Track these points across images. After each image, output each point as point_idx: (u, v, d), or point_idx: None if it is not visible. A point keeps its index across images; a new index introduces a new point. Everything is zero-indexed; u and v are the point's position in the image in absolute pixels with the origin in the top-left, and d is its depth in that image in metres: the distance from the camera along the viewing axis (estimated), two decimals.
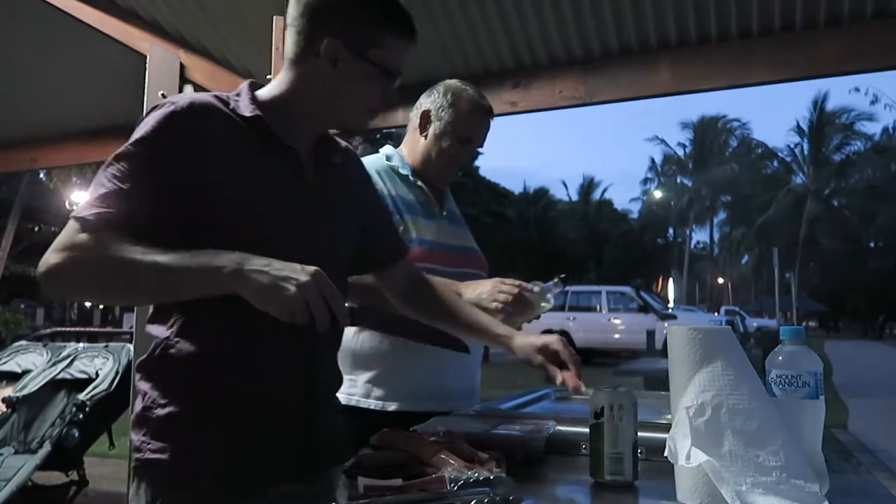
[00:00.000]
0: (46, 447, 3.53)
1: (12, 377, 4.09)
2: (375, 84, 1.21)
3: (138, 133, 1.12)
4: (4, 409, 3.78)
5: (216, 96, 1.19)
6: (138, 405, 1.18)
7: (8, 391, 3.91)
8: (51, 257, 1.06)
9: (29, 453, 3.53)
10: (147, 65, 3.14)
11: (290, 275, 1.00)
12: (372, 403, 1.67)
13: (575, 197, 48.93)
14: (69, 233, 1.06)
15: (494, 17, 2.90)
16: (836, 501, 0.86)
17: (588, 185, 48.63)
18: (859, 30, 2.66)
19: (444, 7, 2.88)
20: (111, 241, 1.04)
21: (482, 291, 1.63)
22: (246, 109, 1.18)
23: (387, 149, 1.88)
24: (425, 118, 1.81)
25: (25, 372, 4.03)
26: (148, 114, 1.15)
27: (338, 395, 1.42)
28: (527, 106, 3.16)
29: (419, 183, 1.81)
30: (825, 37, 2.70)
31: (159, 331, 1.17)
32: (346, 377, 1.66)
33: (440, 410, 1.51)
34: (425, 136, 1.81)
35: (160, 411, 1.14)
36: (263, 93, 1.24)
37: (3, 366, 4.18)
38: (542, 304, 1.67)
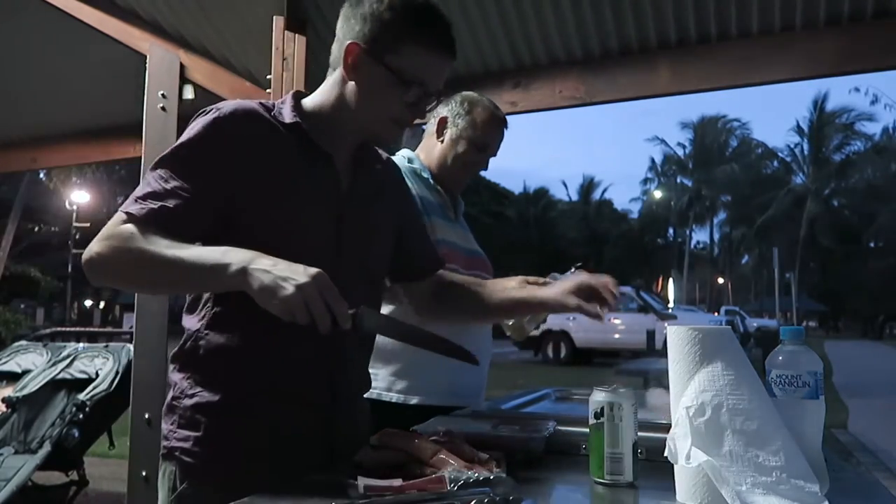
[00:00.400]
0: (46, 447, 3.53)
1: (12, 377, 4.08)
2: (393, 92, 1.21)
3: (184, 137, 1.18)
4: (4, 409, 3.78)
5: (261, 104, 1.24)
6: (168, 395, 1.23)
7: (8, 391, 3.91)
8: (94, 246, 1.12)
9: (29, 453, 3.53)
10: (147, 65, 3.14)
11: (290, 275, 1.02)
12: (394, 397, 1.72)
13: (575, 197, 48.99)
14: (113, 223, 1.13)
15: (494, 17, 2.90)
16: (836, 501, 0.86)
17: (588, 185, 48.67)
18: (859, 30, 2.65)
19: (444, 7, 2.87)
20: (146, 233, 1.10)
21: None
22: (287, 116, 1.23)
23: (406, 152, 1.94)
24: (442, 124, 1.88)
25: (25, 372, 4.03)
26: (195, 119, 1.20)
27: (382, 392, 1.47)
28: (527, 106, 3.16)
29: (437, 187, 1.88)
30: (825, 37, 2.70)
31: (191, 322, 1.22)
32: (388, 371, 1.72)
33: (458, 405, 1.58)
34: (441, 141, 1.88)
35: (187, 401, 1.20)
36: (308, 101, 1.29)
37: (3, 366, 4.18)
38: None
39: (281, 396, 1.20)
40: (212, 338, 1.19)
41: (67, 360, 3.99)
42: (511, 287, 1.50)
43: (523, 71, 3.16)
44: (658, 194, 47.47)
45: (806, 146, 43.41)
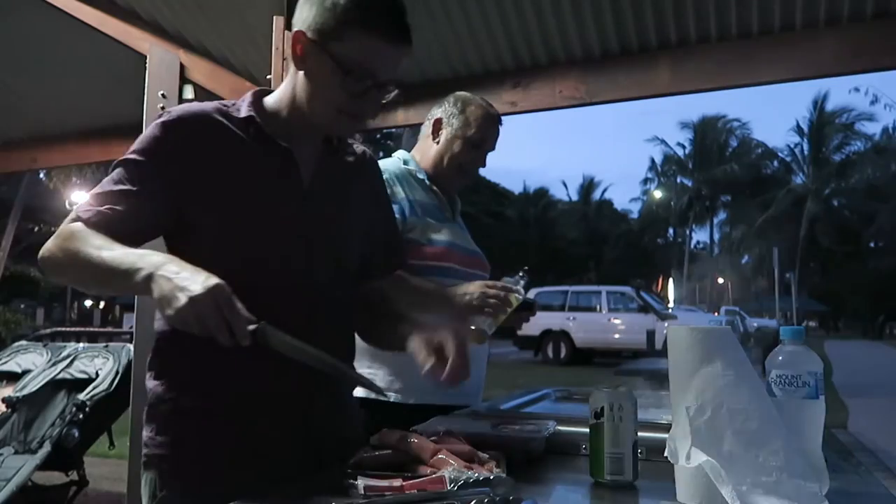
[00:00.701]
0: (46, 447, 3.53)
1: (12, 377, 4.08)
2: (335, 81, 1.15)
3: (137, 142, 1.18)
4: (4, 409, 3.78)
5: (219, 103, 1.23)
6: (147, 402, 1.21)
7: (8, 391, 3.90)
8: (47, 243, 1.13)
9: (29, 453, 3.53)
10: (147, 65, 3.14)
11: (188, 285, 0.98)
12: (392, 396, 1.71)
13: (575, 197, 48.98)
14: (64, 224, 1.13)
15: (494, 17, 2.90)
16: (836, 501, 0.86)
17: (588, 185, 48.66)
18: (859, 30, 2.65)
19: (444, 7, 2.88)
20: (89, 234, 1.09)
21: (469, 294, 1.64)
22: (242, 112, 1.21)
23: (402, 153, 1.95)
24: (437, 126, 1.90)
25: (25, 372, 4.03)
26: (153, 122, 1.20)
27: (357, 389, 1.43)
28: (527, 106, 3.16)
29: (434, 188, 1.88)
30: (825, 37, 2.70)
31: (161, 325, 1.20)
32: (366, 370, 1.70)
33: (456, 404, 1.57)
34: (437, 142, 1.89)
35: (164, 407, 1.19)
36: (269, 98, 1.26)
37: (3, 366, 4.18)
38: (516, 297, 1.66)
39: (256, 395, 1.18)
40: (181, 340, 1.12)
41: (67, 360, 3.99)
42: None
43: (523, 71, 3.16)
44: (658, 194, 47.44)
45: (806, 146, 43.37)
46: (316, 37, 1.15)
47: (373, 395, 1.66)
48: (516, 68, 3.17)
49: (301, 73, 1.19)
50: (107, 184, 1.15)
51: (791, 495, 0.82)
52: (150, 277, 1.01)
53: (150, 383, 1.21)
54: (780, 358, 1.01)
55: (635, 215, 49.94)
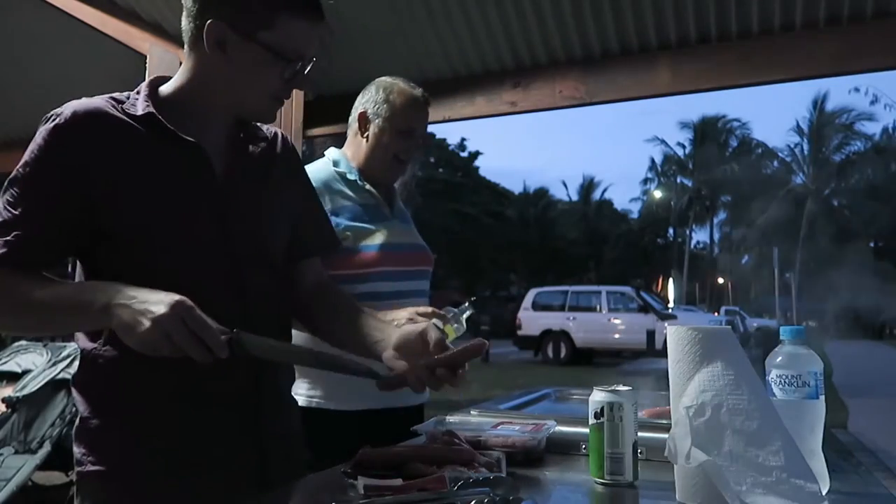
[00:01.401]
0: (46, 447, 3.53)
1: (12, 377, 4.08)
2: (271, 69, 1.12)
3: (26, 154, 1.08)
4: (4, 409, 3.78)
5: (110, 98, 1.13)
6: (78, 419, 1.15)
7: (8, 391, 3.90)
8: None
9: (29, 453, 3.53)
10: (147, 65, 3.14)
11: (148, 308, 0.95)
12: (332, 405, 1.66)
13: (575, 197, 48.94)
14: None
15: (494, 17, 2.90)
16: (836, 501, 0.86)
17: (588, 185, 48.62)
18: (859, 30, 2.66)
19: (444, 7, 2.88)
20: (8, 275, 1.03)
21: (397, 319, 1.54)
22: (139, 108, 1.12)
23: (332, 152, 1.84)
24: (363, 119, 1.79)
25: (25, 372, 4.02)
26: (39, 127, 1.10)
27: (297, 396, 1.38)
28: (527, 106, 3.16)
29: (367, 187, 1.78)
30: (825, 37, 2.70)
31: (86, 342, 1.13)
32: (302, 380, 1.65)
33: (407, 404, 1.53)
34: (366, 138, 1.79)
35: (93, 422, 1.12)
36: (165, 88, 1.18)
37: (3, 366, 4.18)
38: (455, 326, 1.61)
39: (195, 402, 1.11)
40: (109, 353, 1.10)
41: (67, 360, 3.98)
42: (372, 327, 1.27)
43: (523, 71, 3.16)
44: (658, 194, 47.43)
45: (806, 146, 43.36)
46: (242, 27, 1.09)
47: (314, 404, 1.65)
48: (516, 68, 3.17)
49: (217, 62, 1.12)
50: (4, 209, 1.05)
51: (791, 495, 0.82)
52: (105, 308, 0.98)
53: (79, 399, 1.14)
54: (780, 358, 1.01)
55: (635, 215, 49.93)
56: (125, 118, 1.11)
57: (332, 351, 1.25)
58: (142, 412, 1.11)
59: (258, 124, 1.29)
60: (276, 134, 1.32)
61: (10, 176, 1.07)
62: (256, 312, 1.16)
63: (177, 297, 0.96)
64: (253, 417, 1.16)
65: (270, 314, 1.21)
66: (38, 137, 1.08)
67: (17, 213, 1.05)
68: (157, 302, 0.95)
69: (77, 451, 1.13)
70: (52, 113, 1.09)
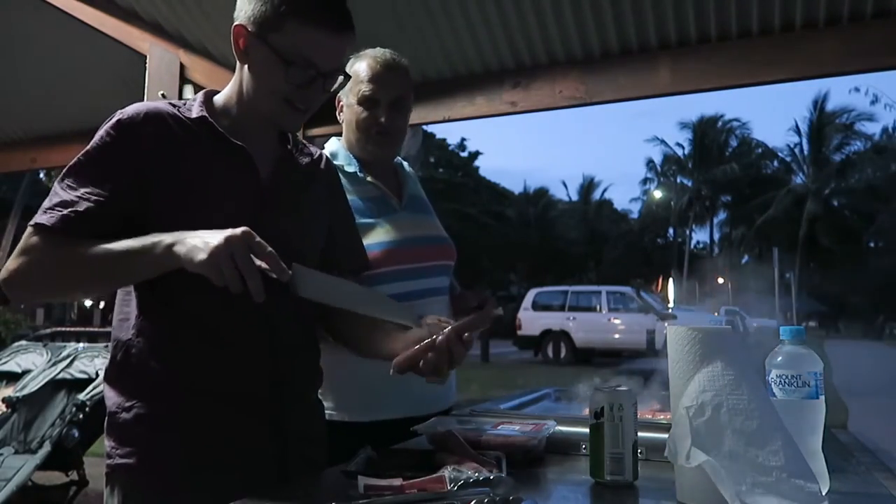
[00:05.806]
0: (46, 447, 3.53)
1: (12, 377, 4.08)
2: (277, 73, 1.16)
3: (90, 144, 1.16)
4: (4, 409, 3.78)
5: (170, 103, 1.22)
6: (107, 412, 1.18)
7: (8, 391, 3.90)
8: (10, 263, 1.11)
9: (29, 453, 3.53)
10: (147, 65, 3.14)
11: (216, 233, 1.01)
12: (346, 416, 1.56)
13: (575, 197, 48.98)
14: (25, 239, 1.12)
15: (494, 17, 2.89)
16: (836, 501, 0.86)
17: (588, 185, 48.65)
18: (859, 30, 2.65)
19: (444, 7, 2.88)
20: (62, 240, 1.10)
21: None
22: (195, 112, 1.21)
23: (332, 144, 1.73)
24: (339, 104, 1.69)
25: (25, 372, 4.02)
26: (102, 125, 1.18)
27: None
28: (527, 106, 3.16)
29: (369, 178, 1.66)
30: (825, 37, 2.70)
31: (120, 333, 1.19)
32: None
33: (417, 416, 1.40)
34: (345, 121, 1.69)
35: (124, 416, 1.15)
36: (218, 98, 1.27)
37: (3, 366, 4.18)
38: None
39: (220, 399, 1.15)
40: (142, 345, 1.15)
41: (67, 360, 3.98)
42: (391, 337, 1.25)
43: (523, 71, 3.16)
44: (658, 194, 47.43)
45: (806, 146, 43.38)
46: (256, 29, 1.15)
47: (336, 417, 1.53)
48: (516, 68, 3.17)
49: (245, 67, 1.20)
50: (63, 191, 1.13)
51: (791, 495, 0.82)
52: (172, 244, 1.03)
53: (110, 392, 1.18)
54: (780, 358, 1.02)
55: (635, 215, 49.94)
56: (182, 118, 1.19)
57: (372, 303, 1.25)
58: (168, 407, 1.15)
59: (305, 142, 1.36)
60: (320, 155, 1.40)
61: (71, 163, 1.16)
62: (283, 314, 1.20)
63: (238, 230, 1.01)
64: (275, 417, 1.20)
65: (296, 318, 1.25)
66: (102, 130, 1.17)
67: (74, 195, 1.11)
68: (228, 231, 1.01)
69: (107, 444, 1.18)
70: (118, 111, 1.19)
